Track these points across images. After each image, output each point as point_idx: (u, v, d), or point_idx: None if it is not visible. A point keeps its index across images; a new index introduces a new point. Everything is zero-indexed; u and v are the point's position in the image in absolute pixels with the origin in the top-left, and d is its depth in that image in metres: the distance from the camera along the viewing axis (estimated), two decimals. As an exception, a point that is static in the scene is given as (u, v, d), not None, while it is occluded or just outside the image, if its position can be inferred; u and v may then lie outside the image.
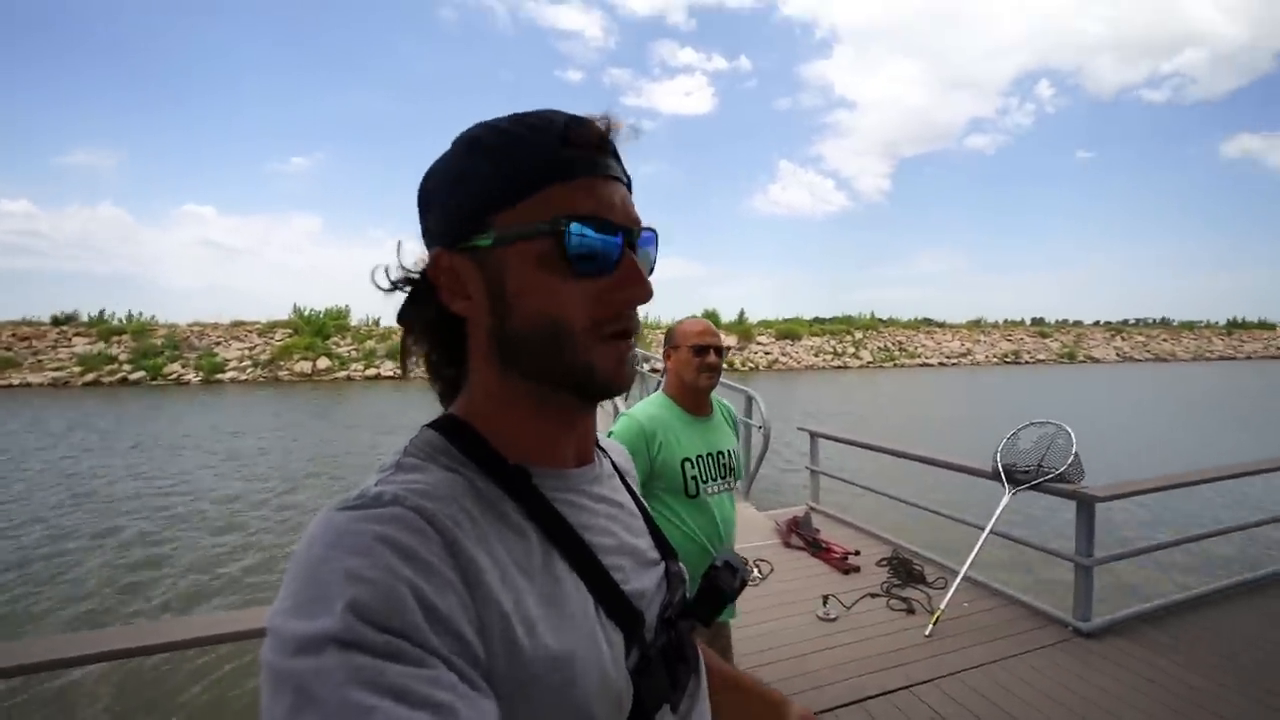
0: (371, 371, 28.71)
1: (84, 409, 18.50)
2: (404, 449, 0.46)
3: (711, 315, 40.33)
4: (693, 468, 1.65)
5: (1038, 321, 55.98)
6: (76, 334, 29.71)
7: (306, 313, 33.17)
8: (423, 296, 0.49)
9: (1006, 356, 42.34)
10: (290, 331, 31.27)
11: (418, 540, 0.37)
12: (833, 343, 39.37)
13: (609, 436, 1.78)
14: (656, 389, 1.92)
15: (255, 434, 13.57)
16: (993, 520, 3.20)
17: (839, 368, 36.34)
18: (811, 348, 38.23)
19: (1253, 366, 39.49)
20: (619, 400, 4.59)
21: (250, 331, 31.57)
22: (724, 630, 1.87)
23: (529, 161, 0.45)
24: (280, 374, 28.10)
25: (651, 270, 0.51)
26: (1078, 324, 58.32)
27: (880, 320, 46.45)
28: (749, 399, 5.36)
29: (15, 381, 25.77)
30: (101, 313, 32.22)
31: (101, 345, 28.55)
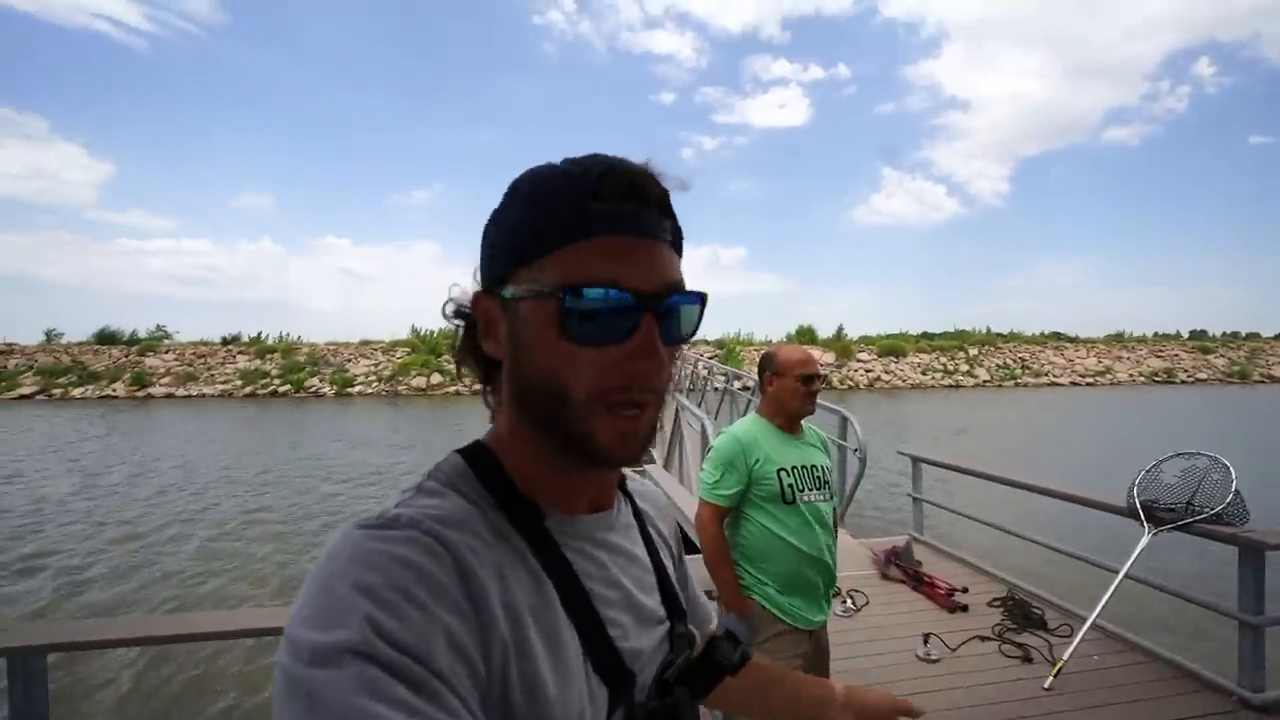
0: (478, 386, 30.62)
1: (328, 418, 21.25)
2: (428, 473, 0.47)
3: (807, 332, 39.00)
4: (788, 476, 1.81)
5: (1198, 335, 48.11)
6: (240, 352, 34.57)
7: (423, 332, 36.19)
8: (470, 335, 0.51)
9: (1156, 375, 36.90)
10: (408, 350, 34.25)
11: (432, 563, 0.38)
12: (943, 360, 36.50)
13: (707, 453, 1.89)
14: (747, 407, 1.99)
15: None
16: (1129, 563, 2.82)
17: (951, 386, 33.58)
18: (918, 365, 35.68)
19: None
20: (706, 420, 4.58)
21: (375, 350, 34.99)
22: (823, 633, 1.91)
23: (555, 217, 0.44)
24: (399, 389, 30.80)
25: (693, 332, 0.48)
26: (1253, 337, 49.18)
27: (999, 335, 42.43)
28: (844, 420, 5.14)
29: (194, 393, 30.40)
30: (259, 334, 37.30)
31: (258, 362, 32.98)
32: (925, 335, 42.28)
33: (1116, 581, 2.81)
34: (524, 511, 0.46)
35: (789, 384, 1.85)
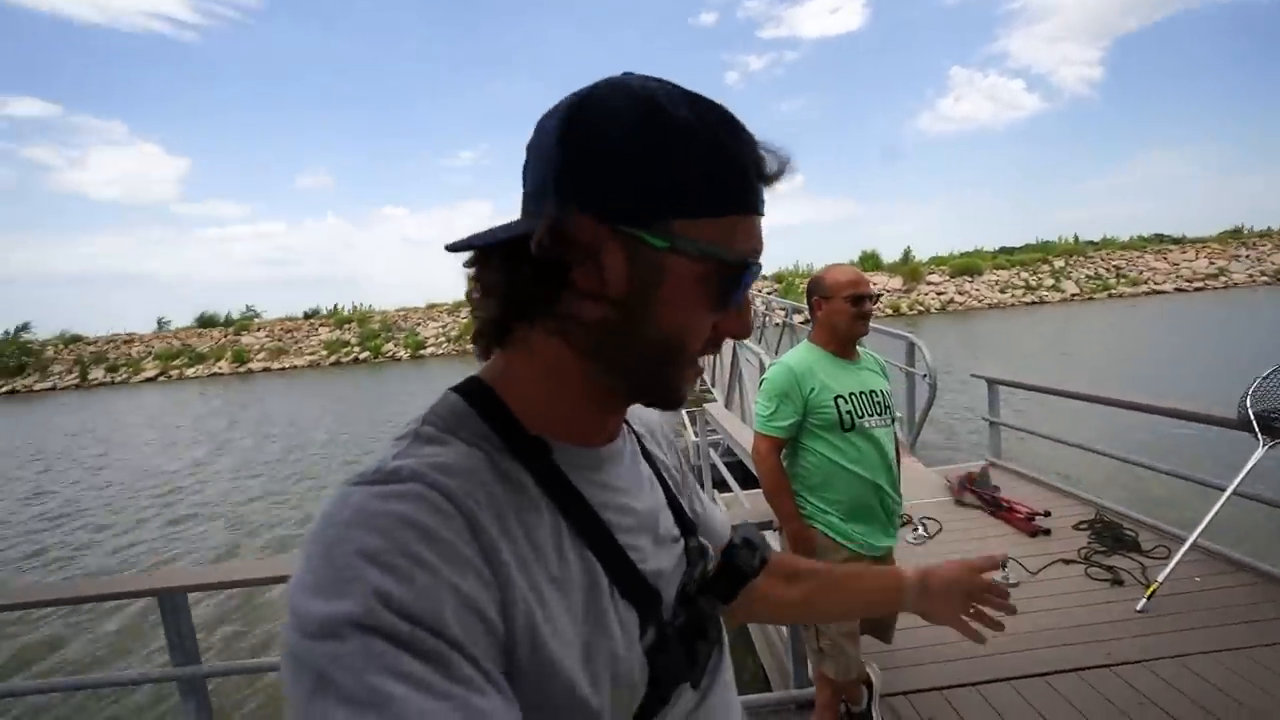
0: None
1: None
2: (423, 417, 0.45)
3: (871, 256, 37.03)
4: (846, 404, 1.77)
5: (1337, 221, 41.67)
6: (321, 324, 36.98)
7: (483, 291, 37.22)
8: (536, 255, 0.41)
9: (1283, 273, 32.68)
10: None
11: (439, 520, 0.36)
12: (1024, 275, 33.79)
13: (760, 385, 1.87)
14: None
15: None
16: (1239, 478, 2.59)
17: (1033, 303, 31.20)
18: (996, 283, 33.21)
19: None
20: (765, 356, 4.50)
21: (441, 312, 36.43)
22: (889, 560, 1.90)
23: (731, 182, 0.42)
24: (468, 348, 32.10)
25: None
26: None
27: (1090, 243, 38.61)
28: (910, 345, 4.92)
29: (286, 365, 33.01)
30: (336, 306, 39.68)
31: (339, 332, 35.21)
32: (1004, 250, 39.18)
33: (1224, 498, 2.60)
34: (531, 450, 0.45)
35: (838, 306, 1.78)
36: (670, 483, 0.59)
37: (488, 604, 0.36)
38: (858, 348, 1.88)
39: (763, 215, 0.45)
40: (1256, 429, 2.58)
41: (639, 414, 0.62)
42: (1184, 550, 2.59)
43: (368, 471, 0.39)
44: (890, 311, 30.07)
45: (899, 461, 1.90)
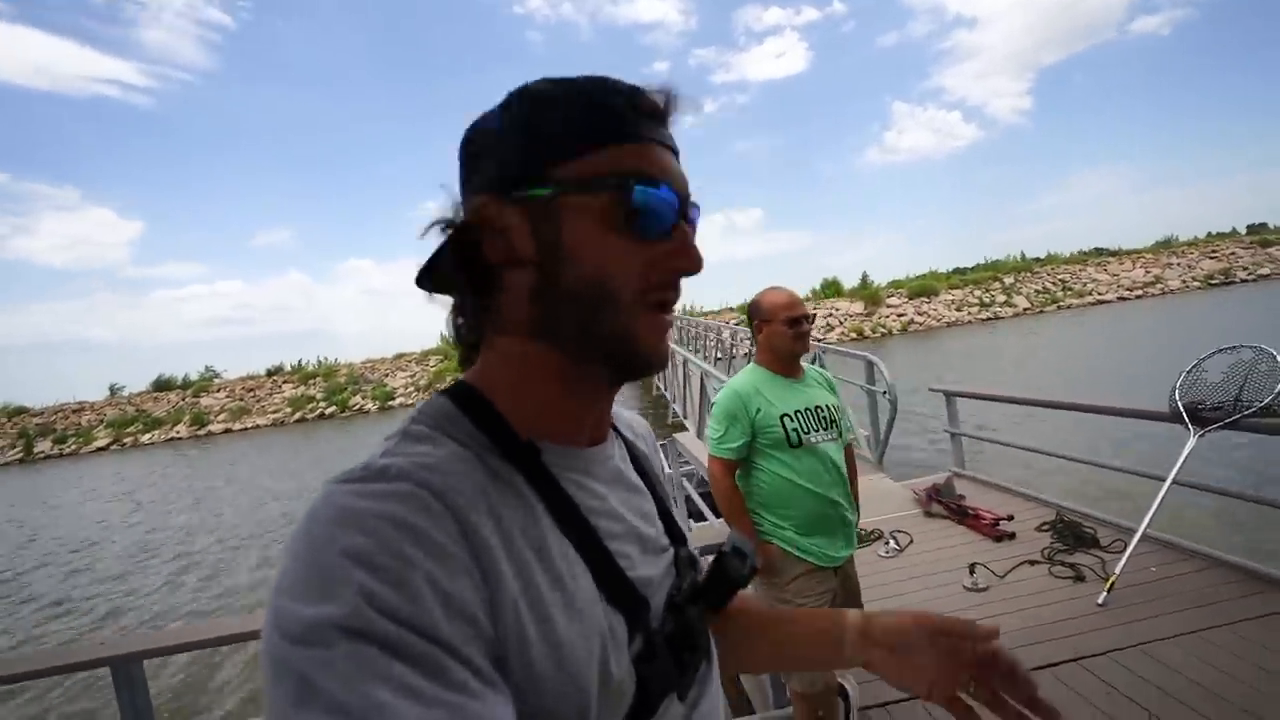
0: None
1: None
2: (412, 417, 0.44)
3: (833, 284, 38.23)
4: (792, 421, 1.81)
5: (1257, 229, 44.80)
6: (285, 381, 36.02)
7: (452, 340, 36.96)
8: (458, 250, 0.45)
9: (1212, 278, 34.86)
10: (441, 358, 35.04)
11: (428, 520, 0.35)
12: (978, 293, 35.28)
13: (711, 410, 1.90)
14: None
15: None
16: (1176, 467, 2.73)
17: (988, 320, 32.48)
18: (952, 302, 34.57)
19: None
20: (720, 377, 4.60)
21: (409, 362, 35.98)
22: (849, 568, 1.92)
23: (597, 116, 0.43)
24: (438, 395, 31.61)
25: None
26: (1320, 223, 45.59)
27: (1035, 260, 40.71)
28: (869, 364, 5.08)
29: (249, 425, 31.87)
30: (299, 361, 38.85)
31: (303, 388, 34.32)
32: (957, 271, 41.00)
33: (1164, 489, 2.73)
34: (520, 451, 0.44)
35: (776, 329, 1.84)
36: (660, 491, 0.58)
37: (478, 606, 0.35)
38: (803, 365, 1.94)
39: (658, 144, 0.45)
40: (1186, 420, 2.74)
41: (627, 420, 0.62)
42: (1134, 542, 2.70)
43: (355, 469, 0.38)
44: (854, 335, 30.89)
45: (855, 475, 1.96)
